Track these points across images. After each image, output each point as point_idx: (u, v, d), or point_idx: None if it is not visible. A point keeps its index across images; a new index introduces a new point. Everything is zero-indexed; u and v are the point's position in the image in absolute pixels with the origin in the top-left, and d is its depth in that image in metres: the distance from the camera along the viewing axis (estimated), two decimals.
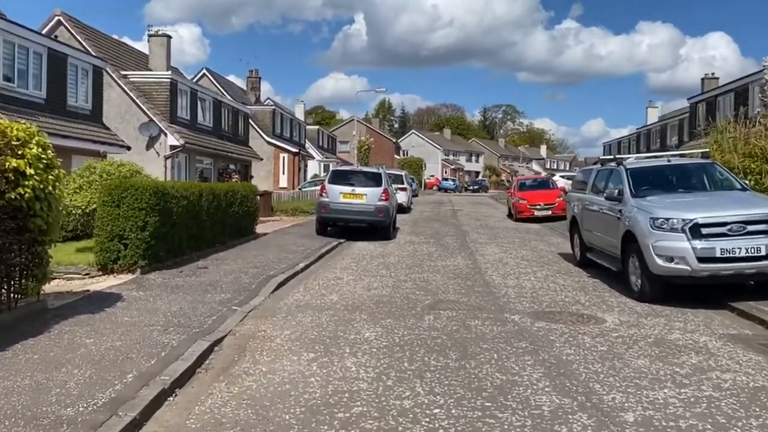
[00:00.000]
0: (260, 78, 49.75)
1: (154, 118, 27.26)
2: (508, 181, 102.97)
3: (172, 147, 27.44)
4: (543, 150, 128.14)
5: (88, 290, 8.82)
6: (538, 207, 24.09)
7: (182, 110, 29.29)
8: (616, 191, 10.17)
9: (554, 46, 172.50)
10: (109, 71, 26.86)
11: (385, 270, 11.89)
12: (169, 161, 27.73)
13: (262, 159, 39.81)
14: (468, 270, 11.96)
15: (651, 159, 12.66)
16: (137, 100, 27.39)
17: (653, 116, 58.03)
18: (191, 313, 7.75)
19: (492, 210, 32.49)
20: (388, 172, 20.28)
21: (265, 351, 6.42)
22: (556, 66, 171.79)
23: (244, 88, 49.89)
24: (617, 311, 8.36)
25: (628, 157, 12.15)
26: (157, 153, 27.73)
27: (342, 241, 16.44)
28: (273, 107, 45.29)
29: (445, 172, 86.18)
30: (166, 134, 27.35)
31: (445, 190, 65.77)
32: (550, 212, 24.01)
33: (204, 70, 44.04)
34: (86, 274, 10.01)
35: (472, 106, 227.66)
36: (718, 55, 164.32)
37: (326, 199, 16.83)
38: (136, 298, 8.45)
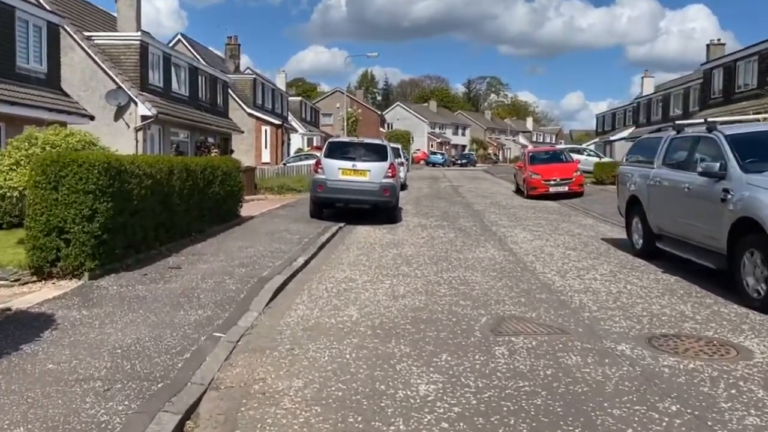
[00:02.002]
0: (239, 45, 46.54)
1: (123, 85, 24.34)
2: (495, 155, 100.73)
3: (144, 117, 24.61)
4: (529, 123, 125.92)
5: (8, 309, 6.26)
6: (553, 182, 21.74)
7: (154, 77, 26.34)
8: (718, 165, 7.77)
9: (535, 19, 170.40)
10: (70, 31, 23.84)
11: (406, 266, 9.44)
12: (140, 134, 24.89)
13: (242, 132, 36.97)
14: (510, 265, 9.55)
15: (740, 124, 10.28)
16: (103, 65, 24.41)
17: (649, 86, 55.93)
18: (153, 347, 5.25)
19: (494, 186, 30.09)
20: None
21: (268, 428, 3.95)
22: (537, 38, 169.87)
23: (223, 56, 46.63)
24: (751, 333, 6.01)
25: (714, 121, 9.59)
26: (127, 124, 24.88)
27: (342, 225, 13.94)
28: (254, 76, 42.28)
29: (432, 146, 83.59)
30: (136, 103, 24.48)
31: (434, 164, 63.31)
32: (566, 188, 21.70)
33: (179, 36, 40.84)
34: (16, 280, 7.43)
35: (454, 79, 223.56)
36: (697, 27, 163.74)
37: (322, 177, 14.27)
38: (75, 323, 5.91)
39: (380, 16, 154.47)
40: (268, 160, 39.41)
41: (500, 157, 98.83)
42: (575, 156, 28.11)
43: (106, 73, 24.37)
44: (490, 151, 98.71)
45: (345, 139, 16.29)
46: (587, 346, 5.58)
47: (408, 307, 6.96)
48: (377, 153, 14.61)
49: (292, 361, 5.20)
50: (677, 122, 10.61)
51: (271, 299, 7.24)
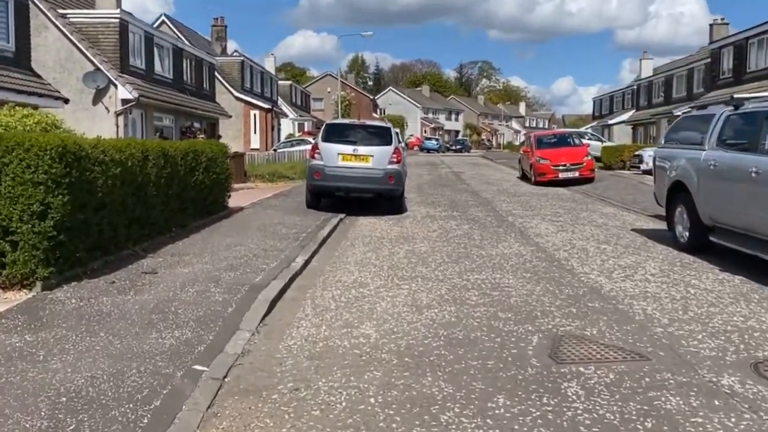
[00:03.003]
0: (226, 27, 44.82)
1: (101, 67, 22.70)
2: (488, 140, 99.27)
3: (124, 101, 22.99)
4: (522, 108, 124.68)
5: None
6: (562, 167, 20.43)
7: (135, 58, 24.72)
8: None
9: (525, 2, 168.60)
10: (43, 8, 22.18)
11: (423, 266, 8.10)
12: (120, 118, 23.29)
13: (230, 116, 35.33)
14: (542, 263, 8.23)
15: None
16: (80, 45, 22.73)
17: (648, 69, 54.66)
18: (111, 391, 3.91)
19: (497, 172, 28.77)
20: None
21: None
22: (527, 23, 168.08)
23: (209, 39, 44.83)
24: None
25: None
26: (107, 108, 23.28)
27: (342, 216, 12.57)
28: (241, 58, 40.61)
29: (425, 131, 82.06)
30: (116, 86, 22.85)
31: (428, 150, 61.76)
32: (577, 173, 20.40)
33: (163, 17, 39.09)
34: None
35: (444, 64, 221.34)
36: (686, 11, 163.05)
37: (319, 163, 12.87)
38: (12, 354, 4.54)
39: (369, 0, 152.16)
40: (257, 146, 37.87)
41: (494, 143, 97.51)
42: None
43: (83, 53, 22.71)
44: (483, 136, 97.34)
45: (345, 120, 14.89)
46: (682, 380, 4.27)
47: (436, 322, 5.63)
48: (380, 136, 13.22)
49: (298, 409, 3.86)
50: (735, 96, 9.29)
51: (267, 313, 5.88)
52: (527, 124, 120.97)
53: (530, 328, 5.43)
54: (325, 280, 7.35)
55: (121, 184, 7.42)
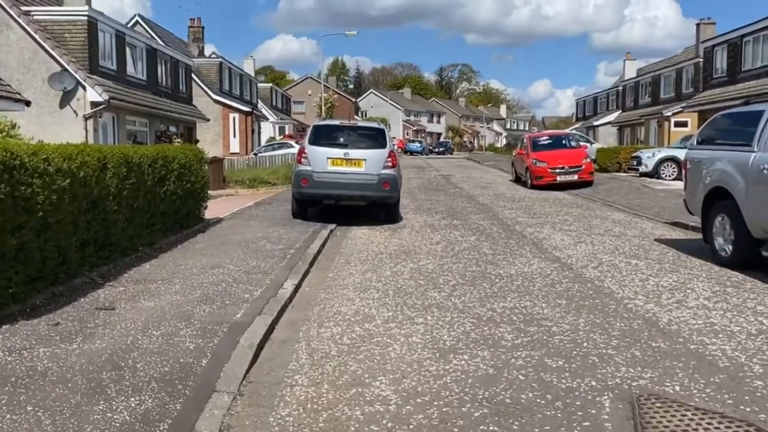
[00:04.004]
0: (203, 28, 43.32)
1: (69, 67, 21.20)
2: (470, 142, 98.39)
3: (94, 104, 21.52)
4: (503, 110, 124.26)
5: None
6: (560, 170, 19.33)
7: (106, 58, 23.22)
8: None
9: (502, 7, 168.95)
10: (4, 5, 20.66)
11: (435, 289, 6.87)
12: (90, 122, 21.81)
13: (208, 120, 33.88)
14: (574, 285, 7.04)
15: None
16: (45, 44, 21.19)
17: (631, 70, 54.08)
18: None
19: (487, 174, 27.66)
20: None
21: None
22: (504, 27, 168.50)
23: (186, 41, 43.27)
24: None
25: None
26: (75, 112, 21.78)
27: (332, 227, 11.31)
28: (219, 60, 39.13)
29: (407, 134, 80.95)
30: (84, 87, 21.37)
31: (411, 152, 60.67)
32: (575, 177, 19.33)
33: (137, 17, 37.50)
34: None
35: (423, 68, 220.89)
36: (660, 15, 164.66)
37: (307, 168, 11.59)
38: None
39: (348, 4, 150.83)
40: (237, 150, 36.45)
41: (475, 145, 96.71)
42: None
43: (49, 53, 21.19)
44: (465, 138, 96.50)
45: (334, 121, 13.61)
46: None
47: (470, 374, 4.40)
48: (374, 138, 11.98)
49: None
50: None
51: (252, 364, 4.61)
52: (508, 126, 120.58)
53: (593, 383, 4.22)
54: (320, 311, 6.09)
55: (72, 199, 6.09)
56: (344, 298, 6.57)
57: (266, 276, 7.18)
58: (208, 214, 11.70)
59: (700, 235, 10.63)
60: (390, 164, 11.68)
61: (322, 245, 9.56)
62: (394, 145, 12.44)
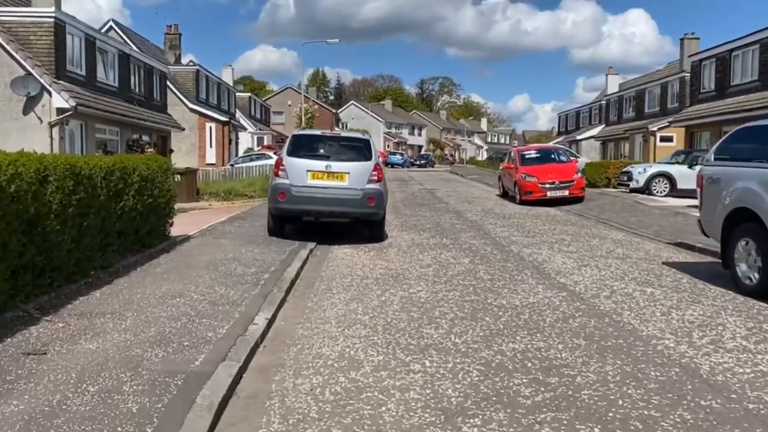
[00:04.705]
0: (180, 35, 42.22)
1: (33, 72, 20.06)
2: (451, 155, 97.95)
3: (60, 110, 20.38)
4: (484, 123, 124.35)
5: None
6: (550, 185, 18.57)
7: (74, 62, 22.09)
8: None
9: (482, 22, 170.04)
10: None
11: (431, 325, 5.94)
12: (55, 129, 20.65)
13: (184, 129, 32.76)
14: (590, 319, 6.15)
15: None
16: (8, 47, 20.04)
17: (614, 84, 54.00)
18: None
19: (471, 188, 26.87)
20: None
21: None
22: (484, 41, 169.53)
23: (162, 48, 42.08)
24: None
25: None
26: (40, 119, 20.60)
27: (312, 246, 10.35)
28: (196, 68, 38.04)
29: (388, 146, 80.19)
30: (50, 93, 20.24)
31: (392, 165, 59.84)
32: (566, 192, 18.58)
33: (111, 22, 36.23)
34: None
35: (404, 81, 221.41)
36: (637, 32, 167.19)
37: (284, 182, 10.62)
38: None
39: (329, 16, 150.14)
40: (213, 161, 35.33)
41: (456, 158, 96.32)
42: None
43: (12, 56, 20.04)
44: (446, 151, 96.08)
45: (315, 131, 12.68)
46: None
47: None
48: (358, 150, 11.07)
49: None
50: None
51: None
52: (489, 140, 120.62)
53: None
54: (298, 354, 5.12)
55: (0, 219, 5.06)
56: (326, 336, 5.61)
57: (235, 307, 6.19)
58: (176, 230, 10.67)
59: (710, 258, 9.95)
60: (375, 178, 10.78)
61: (301, 268, 8.59)
62: (379, 157, 11.53)
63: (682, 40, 39.68)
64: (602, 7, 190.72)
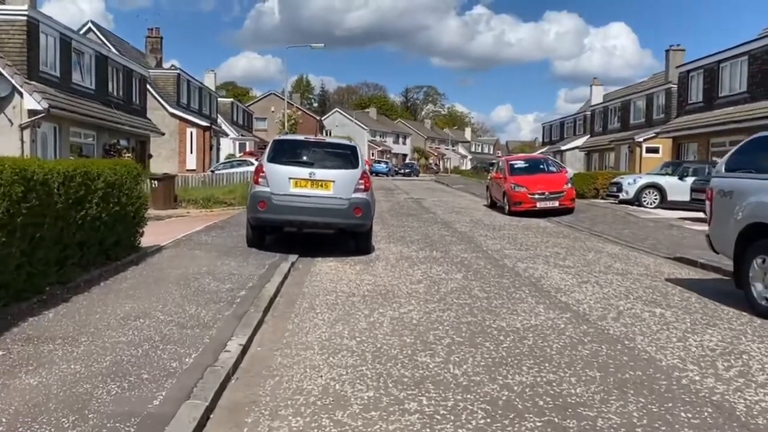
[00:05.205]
0: (162, 38, 41.36)
1: (4, 71, 19.27)
2: (435, 164, 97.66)
3: (32, 112, 19.58)
4: (468, 133, 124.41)
5: None
6: (540, 196, 18.06)
7: (48, 63, 21.26)
8: None
9: (466, 32, 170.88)
10: None
11: (426, 352, 5.30)
12: (27, 132, 19.82)
13: (164, 134, 31.95)
14: (601, 346, 5.55)
15: None
16: None
17: (598, 95, 54.00)
18: None
19: (458, 198, 26.34)
20: None
21: None
22: (468, 51, 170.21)
23: (143, 51, 41.17)
24: None
25: None
26: (10, 121, 19.76)
27: (293, 258, 9.69)
28: (177, 72, 37.25)
29: (372, 154, 79.63)
30: (21, 94, 19.41)
31: (377, 173, 59.23)
32: (556, 203, 18.07)
33: (90, 24, 35.33)
34: None
35: (389, 89, 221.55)
36: (618, 45, 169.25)
37: (265, 190, 9.95)
38: None
39: (313, 24, 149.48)
40: (194, 167, 34.49)
41: (441, 167, 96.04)
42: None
43: None
44: (431, 160, 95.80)
45: (298, 137, 12.03)
46: None
47: None
48: (344, 157, 10.44)
49: None
50: None
51: None
52: (473, 149, 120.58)
53: None
54: (275, 388, 4.46)
55: None
56: (308, 365, 4.95)
57: (206, 331, 5.51)
58: (148, 240, 9.94)
59: (714, 275, 9.45)
60: (362, 187, 10.15)
61: (281, 283, 7.91)
62: (365, 165, 10.91)
63: (667, 51, 39.64)
64: (585, 19, 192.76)
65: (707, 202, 7.99)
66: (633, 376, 4.80)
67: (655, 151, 33.41)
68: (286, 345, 5.51)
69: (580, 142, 49.82)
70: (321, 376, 4.70)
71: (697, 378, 4.77)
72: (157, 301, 6.48)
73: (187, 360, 4.72)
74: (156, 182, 18.85)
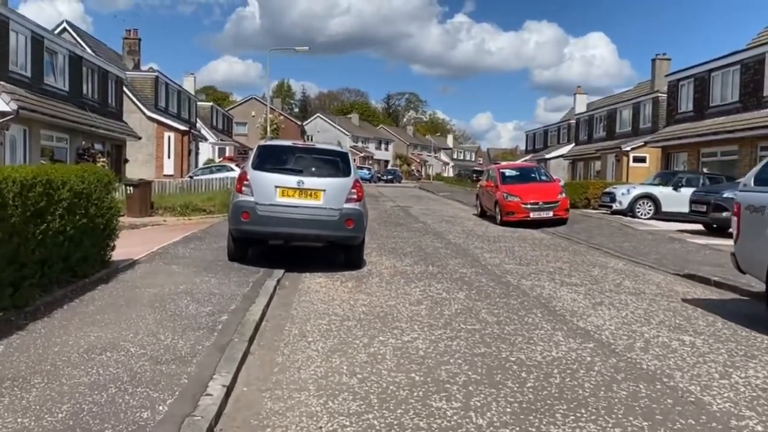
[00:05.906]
0: (140, 40, 40.26)
1: None
2: (417, 171, 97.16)
3: (0, 114, 18.52)
4: (450, 140, 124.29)
5: None
6: (533, 206, 17.45)
7: (18, 63, 20.26)
8: None
9: (447, 40, 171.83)
10: None
11: (440, 395, 4.57)
12: None
13: (140, 138, 30.94)
14: (638, 385, 4.86)
15: None
16: None
17: (582, 104, 53.83)
18: None
19: (446, 207, 25.71)
20: None
21: None
22: (449, 59, 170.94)
23: (120, 53, 40.03)
24: None
25: None
26: None
27: (280, 274, 8.90)
28: (155, 74, 36.21)
29: (354, 161, 78.92)
30: None
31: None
32: (551, 213, 17.49)
33: (64, 23, 34.21)
34: None
35: (371, 95, 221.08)
36: (597, 55, 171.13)
37: (248, 199, 9.16)
38: None
39: (295, 30, 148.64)
40: (172, 172, 33.49)
41: (423, 174, 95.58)
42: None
43: None
44: (413, 167, 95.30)
45: (285, 142, 11.27)
46: None
47: None
48: (334, 165, 9.70)
49: None
50: None
51: None
52: (455, 156, 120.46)
53: None
54: None
55: None
56: (303, 412, 4.19)
57: (184, 367, 4.73)
58: (121, 252, 9.10)
59: (731, 294, 8.88)
60: (355, 197, 9.41)
61: (267, 305, 7.13)
62: (358, 173, 10.17)
63: (653, 60, 39.49)
64: (564, 29, 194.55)
65: (734, 218, 7.37)
66: (685, 426, 4.11)
67: (642, 160, 33.15)
68: (276, 384, 4.74)
69: (564, 150, 49.55)
70: (320, 428, 3.94)
71: (760, 429, 4.10)
72: (127, 328, 5.67)
73: (160, 408, 3.93)
74: (131, 188, 17.94)
